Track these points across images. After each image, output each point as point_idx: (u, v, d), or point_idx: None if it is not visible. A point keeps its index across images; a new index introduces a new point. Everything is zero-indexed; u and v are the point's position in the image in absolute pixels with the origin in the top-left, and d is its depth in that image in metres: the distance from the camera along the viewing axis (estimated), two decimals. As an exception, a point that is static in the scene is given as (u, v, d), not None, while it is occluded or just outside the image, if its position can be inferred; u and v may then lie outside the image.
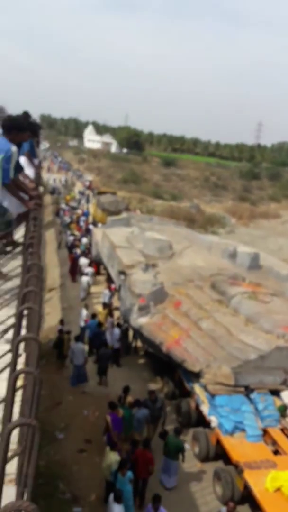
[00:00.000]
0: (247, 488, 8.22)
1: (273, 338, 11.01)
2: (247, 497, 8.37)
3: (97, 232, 22.01)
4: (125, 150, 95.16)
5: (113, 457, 8.16)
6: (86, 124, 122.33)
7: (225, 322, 11.93)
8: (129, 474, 7.76)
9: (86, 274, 19.66)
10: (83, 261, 21.37)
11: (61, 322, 14.17)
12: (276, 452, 9.35)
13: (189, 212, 43.68)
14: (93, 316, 14.68)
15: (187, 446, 9.98)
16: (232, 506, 7.07)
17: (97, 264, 21.43)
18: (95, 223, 28.69)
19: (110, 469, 8.09)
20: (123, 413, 9.48)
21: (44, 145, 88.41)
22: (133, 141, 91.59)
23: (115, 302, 17.01)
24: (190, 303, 13.12)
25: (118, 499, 7.08)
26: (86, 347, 13.30)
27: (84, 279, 19.14)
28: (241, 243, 23.54)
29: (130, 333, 14.76)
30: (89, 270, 20.19)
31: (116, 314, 16.26)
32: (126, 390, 10.35)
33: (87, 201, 40.83)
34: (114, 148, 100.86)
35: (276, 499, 7.78)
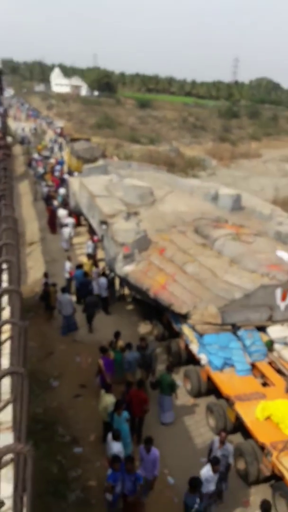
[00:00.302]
0: (238, 419, 8.66)
1: (257, 276, 11.18)
2: (239, 427, 8.85)
3: (74, 182, 21.38)
4: (96, 93, 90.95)
5: (108, 399, 8.44)
6: (52, 67, 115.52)
7: (209, 265, 12.02)
8: (125, 413, 8.06)
9: (66, 225, 19.37)
10: (62, 212, 20.94)
11: (45, 275, 14.10)
12: (264, 384, 9.81)
13: (168, 156, 42.75)
14: (79, 266, 14.65)
15: (179, 383, 10.40)
16: (224, 436, 7.42)
17: (76, 215, 21.06)
18: (70, 172, 27.82)
19: (106, 410, 8.38)
20: (114, 356, 9.85)
21: (8, 92, 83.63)
22: (104, 82, 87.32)
23: (100, 253, 16.91)
24: (174, 249, 13.12)
25: (116, 438, 7.39)
26: (73, 297, 13.35)
27: (65, 230, 18.87)
28: (222, 185, 23.30)
29: (117, 281, 14.82)
30: (69, 220, 19.87)
31: (101, 264, 16.22)
32: (116, 335, 10.60)
33: (60, 149, 39.35)
34: (84, 91, 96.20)
35: (265, 426, 8.24)
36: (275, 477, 7.63)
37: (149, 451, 7.08)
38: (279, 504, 7.35)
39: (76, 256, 17.74)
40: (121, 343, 10.47)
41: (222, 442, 7.39)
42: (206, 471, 6.97)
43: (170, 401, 9.45)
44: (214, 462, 6.94)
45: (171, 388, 9.39)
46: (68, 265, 15.06)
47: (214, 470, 6.93)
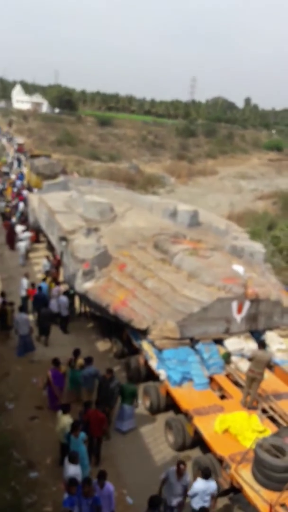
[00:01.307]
0: (197, 433, 8.67)
1: (214, 290, 11.39)
2: (198, 441, 8.85)
3: (33, 198, 21.16)
4: (57, 110, 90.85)
5: (65, 420, 8.23)
6: (13, 84, 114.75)
7: (168, 279, 12.14)
8: (82, 434, 7.86)
9: (21, 240, 19.19)
10: (19, 228, 20.64)
11: (2, 294, 13.67)
12: (222, 397, 9.92)
13: (128, 173, 43.22)
14: (44, 279, 14.72)
15: (139, 401, 10.33)
16: (183, 468, 6.99)
17: (36, 231, 20.76)
18: (30, 188, 27.49)
19: (63, 432, 8.16)
20: (71, 374, 9.76)
21: None
22: (65, 100, 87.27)
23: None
24: (134, 264, 13.17)
25: (73, 460, 7.19)
26: (30, 317, 13.03)
27: (21, 244, 18.72)
28: (181, 201, 23.76)
29: (77, 299, 14.62)
30: (25, 235, 19.72)
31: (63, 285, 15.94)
32: (76, 353, 10.40)
33: (19, 165, 38.93)
34: (45, 108, 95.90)
35: (224, 439, 8.29)
36: (233, 490, 7.66)
37: (103, 487, 6.74)
38: (238, 517, 7.35)
39: (34, 273, 17.39)
40: (80, 361, 10.28)
41: (181, 474, 7.00)
42: (170, 472, 6.97)
43: (131, 409, 9.50)
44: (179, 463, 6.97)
45: (133, 396, 9.46)
46: (25, 282, 14.68)
47: (178, 473, 6.93)
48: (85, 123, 76.46)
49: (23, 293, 14.50)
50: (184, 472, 7.01)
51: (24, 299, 14.30)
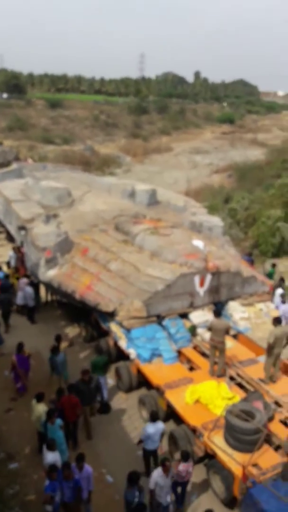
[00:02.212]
0: (169, 406, 8.96)
1: (176, 267, 11.60)
2: (171, 414, 9.15)
3: (-13, 188, 20.48)
4: (5, 95, 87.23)
5: (40, 408, 8.29)
6: None
7: (132, 260, 12.23)
8: (58, 421, 7.95)
9: None
10: None
11: None
12: (191, 369, 10.26)
13: (83, 155, 42.40)
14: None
15: (110, 381, 10.52)
16: (169, 465, 6.91)
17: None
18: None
19: (39, 420, 8.22)
20: (56, 358, 9.80)
21: None
22: (13, 84, 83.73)
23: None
24: (97, 248, 13.15)
25: (50, 447, 7.29)
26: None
27: None
28: (138, 181, 23.75)
29: (42, 288, 14.47)
30: None
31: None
32: (58, 338, 10.51)
33: None
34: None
35: (195, 410, 8.63)
36: (208, 456, 8.02)
37: (82, 469, 6.87)
38: (214, 479, 7.73)
39: None
40: (64, 344, 10.67)
41: (168, 470, 6.86)
42: (156, 475, 6.88)
43: (105, 379, 9.90)
44: (164, 460, 6.89)
45: (105, 365, 9.97)
46: None
47: (165, 471, 6.80)
48: (35, 106, 73.84)
49: None
50: (170, 467, 6.92)
51: None
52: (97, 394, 9.52)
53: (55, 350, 9.91)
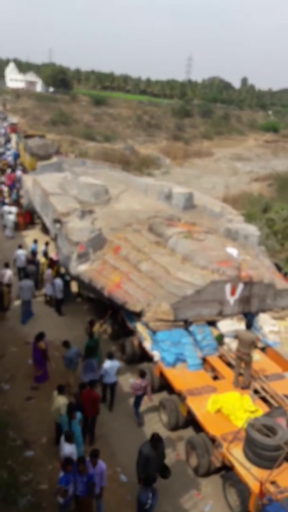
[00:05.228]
0: (190, 413, 8.83)
1: (208, 273, 11.44)
2: (191, 421, 9.02)
3: (27, 179, 20.93)
4: (51, 89, 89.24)
5: (61, 401, 8.34)
6: (7, 62, 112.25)
7: (163, 262, 12.16)
8: (78, 415, 7.99)
9: (10, 213, 20.05)
10: (6, 208, 21.13)
11: (6, 265, 13.92)
12: (215, 378, 10.08)
13: (123, 154, 42.70)
14: (20, 246, 15.80)
15: (131, 380, 10.48)
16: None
17: (30, 213, 20.64)
18: (24, 169, 27.18)
19: (59, 412, 8.27)
20: (88, 342, 10.27)
21: None
22: (60, 78, 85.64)
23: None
24: (129, 247, 13.16)
25: (69, 439, 7.32)
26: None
27: (9, 217, 19.59)
28: (176, 183, 23.63)
29: (73, 282, 14.62)
30: (12, 209, 20.57)
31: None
32: (91, 322, 11.04)
33: (6, 148, 38.49)
34: (39, 87, 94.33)
35: (216, 419, 8.46)
36: (225, 468, 7.85)
37: (96, 465, 6.88)
38: (229, 492, 7.57)
39: (26, 244, 17.79)
40: (97, 327, 11.26)
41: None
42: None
43: (95, 362, 10.05)
44: None
45: (97, 346, 10.36)
46: (20, 252, 15.22)
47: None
48: (79, 102, 75.20)
49: (20, 264, 15.04)
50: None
51: (22, 269, 14.98)
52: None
53: (90, 334, 10.56)
